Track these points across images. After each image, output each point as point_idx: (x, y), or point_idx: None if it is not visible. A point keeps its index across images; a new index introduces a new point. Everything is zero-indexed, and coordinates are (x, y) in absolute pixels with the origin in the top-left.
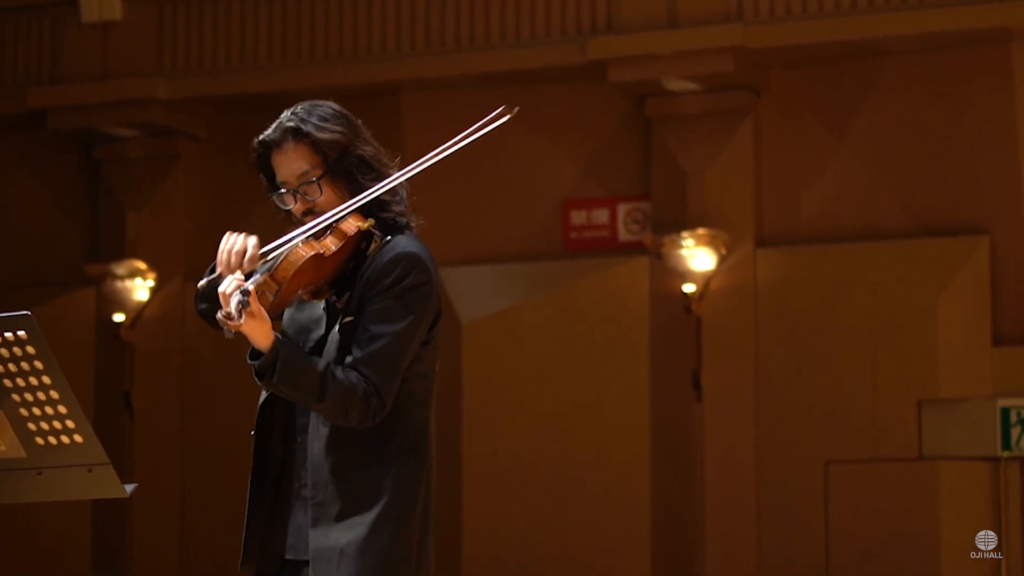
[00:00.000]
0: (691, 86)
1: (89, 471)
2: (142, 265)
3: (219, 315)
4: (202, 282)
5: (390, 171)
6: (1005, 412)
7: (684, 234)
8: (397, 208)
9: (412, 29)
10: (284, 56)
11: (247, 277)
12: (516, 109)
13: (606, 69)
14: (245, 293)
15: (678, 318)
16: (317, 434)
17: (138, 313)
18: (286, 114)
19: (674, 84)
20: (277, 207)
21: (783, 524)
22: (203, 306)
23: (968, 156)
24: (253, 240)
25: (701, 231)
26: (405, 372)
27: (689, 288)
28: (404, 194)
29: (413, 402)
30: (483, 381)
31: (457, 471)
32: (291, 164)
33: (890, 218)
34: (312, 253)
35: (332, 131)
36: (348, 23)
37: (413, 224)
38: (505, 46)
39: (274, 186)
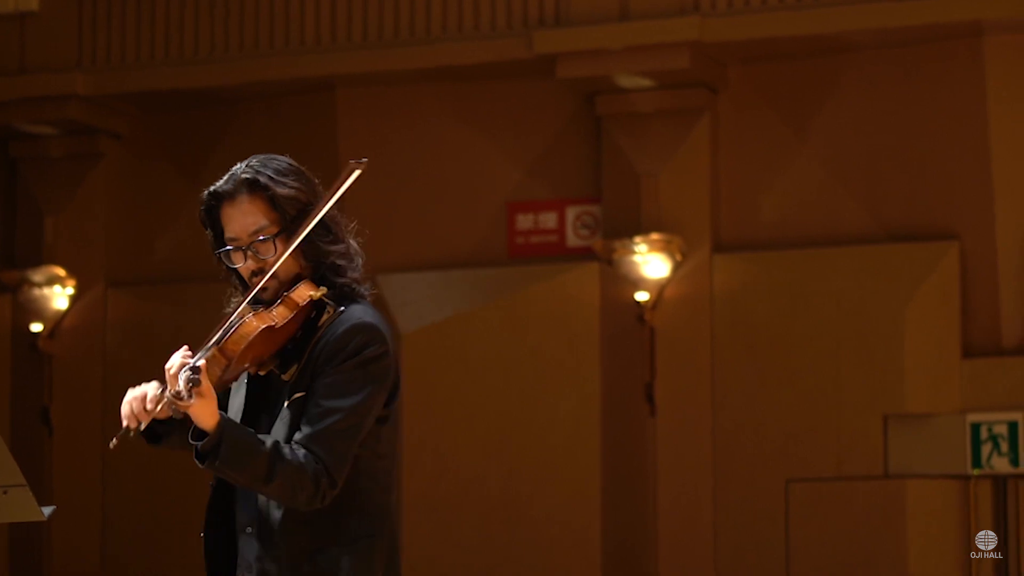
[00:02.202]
0: (644, 83)
1: (4, 493)
2: (61, 271)
3: (167, 395)
4: (113, 441)
5: (349, 234)
6: (975, 428)
7: (637, 239)
8: (353, 275)
9: (348, 20)
10: (211, 49)
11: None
12: (365, 161)
13: (554, 64)
14: (195, 371)
15: (630, 328)
16: (269, 518)
17: (57, 322)
18: (240, 166)
19: (626, 80)
20: (222, 265)
21: (741, 546)
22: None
23: (937, 157)
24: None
25: (655, 236)
26: (361, 450)
27: (642, 296)
28: (360, 261)
29: (371, 483)
30: (424, 395)
31: (398, 490)
32: (244, 219)
33: (854, 223)
34: (264, 326)
35: (291, 186)
36: (279, 14)
37: (367, 293)
38: (447, 39)
39: (220, 242)
